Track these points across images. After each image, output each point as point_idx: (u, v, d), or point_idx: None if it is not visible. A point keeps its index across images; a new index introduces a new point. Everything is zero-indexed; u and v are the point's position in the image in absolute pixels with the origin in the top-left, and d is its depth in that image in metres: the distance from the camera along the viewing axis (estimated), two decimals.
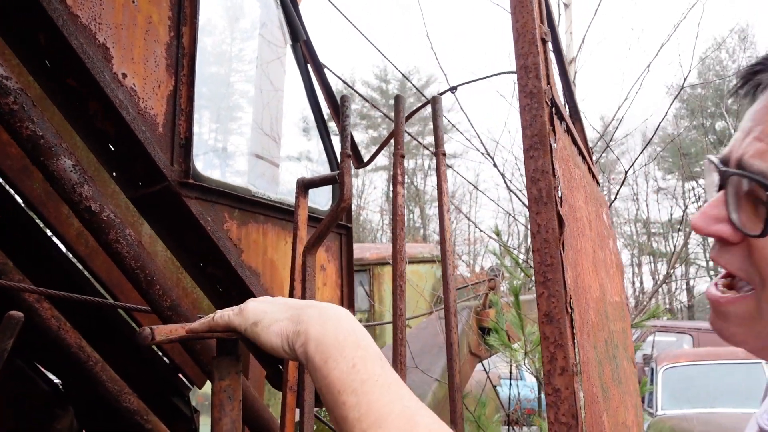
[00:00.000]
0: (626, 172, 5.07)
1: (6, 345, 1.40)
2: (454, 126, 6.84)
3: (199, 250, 1.97)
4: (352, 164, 1.88)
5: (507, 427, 5.50)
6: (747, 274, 0.58)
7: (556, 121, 1.27)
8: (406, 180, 1.82)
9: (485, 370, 4.98)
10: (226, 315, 0.83)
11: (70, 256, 2.44)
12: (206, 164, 2.77)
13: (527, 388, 6.65)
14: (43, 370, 3.13)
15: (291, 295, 1.95)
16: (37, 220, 2.34)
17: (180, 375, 2.84)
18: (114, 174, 1.82)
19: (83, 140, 1.77)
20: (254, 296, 2.09)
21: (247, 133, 3.06)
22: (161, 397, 2.90)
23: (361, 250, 6.57)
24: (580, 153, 1.78)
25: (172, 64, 1.85)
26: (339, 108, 1.94)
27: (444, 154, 1.88)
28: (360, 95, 3.95)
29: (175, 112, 1.84)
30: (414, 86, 3.76)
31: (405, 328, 1.77)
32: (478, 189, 12.73)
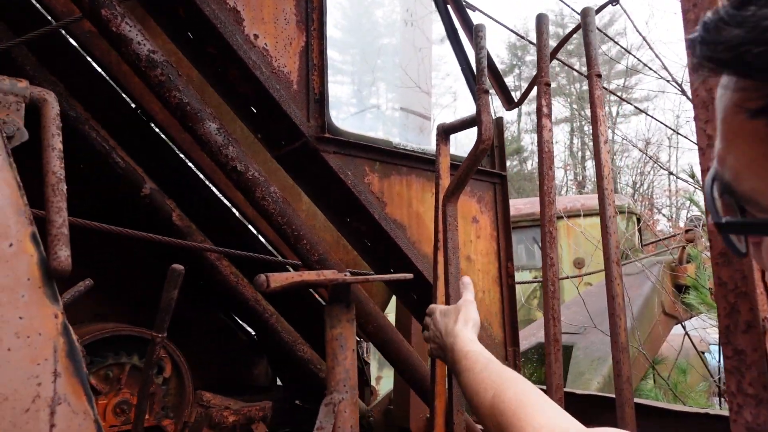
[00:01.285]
0: None
1: (172, 295, 1.55)
2: (643, 63, 5.99)
3: (343, 204, 1.97)
4: (496, 102, 1.69)
5: (718, 398, 4.79)
6: None
7: None
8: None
9: (686, 332, 4.36)
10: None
11: (241, 218, 2.67)
12: (354, 121, 2.78)
13: None
14: (241, 323, 3.54)
15: (435, 247, 1.85)
16: (212, 187, 2.59)
17: None
18: (259, 135, 1.90)
19: (230, 107, 1.87)
20: (401, 251, 2.05)
21: (395, 88, 3.01)
22: None
23: (533, 204, 6.21)
24: None
25: (302, 20, 1.85)
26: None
27: (599, 76, 1.58)
28: (519, 35, 3.62)
29: (308, 67, 1.84)
30: (567, 5, 3.29)
31: (557, 279, 1.56)
32: (677, 132, 11.12)
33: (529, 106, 25.73)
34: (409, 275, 1.24)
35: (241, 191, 1.78)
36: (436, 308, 1.36)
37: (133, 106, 2.38)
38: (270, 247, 2.73)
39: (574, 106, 26.39)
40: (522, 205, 6.45)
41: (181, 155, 2.50)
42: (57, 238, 0.88)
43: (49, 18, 2.09)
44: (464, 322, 1.21)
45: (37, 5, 2.08)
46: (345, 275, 1.09)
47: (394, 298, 2.88)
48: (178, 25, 1.69)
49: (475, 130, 1.80)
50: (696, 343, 4.51)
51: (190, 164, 2.53)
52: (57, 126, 1.00)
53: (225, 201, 2.63)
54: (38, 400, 0.85)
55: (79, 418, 0.88)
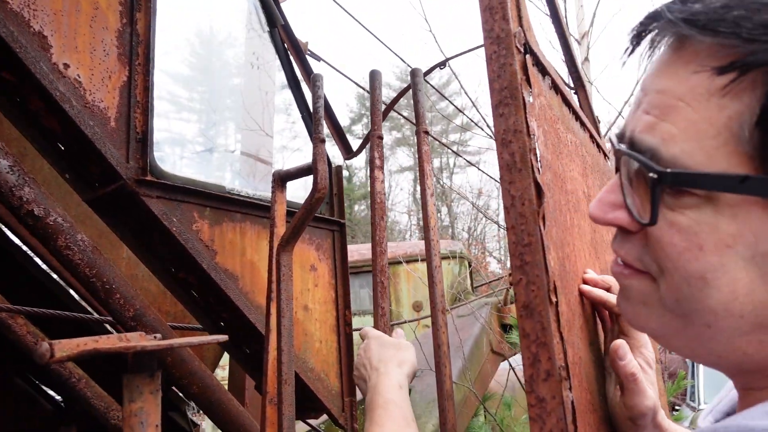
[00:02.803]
0: None
1: None
2: (473, 122, 6.61)
3: (167, 253, 1.81)
4: (328, 151, 1.70)
5: None
6: (644, 265, 0.53)
7: (534, 72, 1.06)
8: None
9: (511, 367, 4.73)
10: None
11: (46, 268, 2.33)
12: (193, 164, 2.63)
13: None
14: (44, 388, 3.05)
15: (268, 297, 1.77)
16: (8, 233, 2.23)
17: (174, 388, 2.71)
18: (67, 176, 1.68)
19: (31, 142, 1.64)
20: (232, 303, 1.93)
21: (241, 130, 2.92)
22: None
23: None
24: (579, 120, 1.55)
25: (125, 53, 1.70)
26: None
27: (426, 132, 1.68)
28: (361, 87, 3.77)
29: (130, 104, 1.69)
30: (401, 59, 3.54)
31: (389, 327, 1.57)
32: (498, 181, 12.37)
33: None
34: (224, 337, 1.16)
35: (39, 239, 1.54)
36: (371, 333, 1.28)
37: None
38: (84, 303, 2.41)
39: (417, 155, 28.20)
40: (367, 250, 6.61)
41: None
42: None
43: None
44: (399, 363, 1.12)
45: None
46: (154, 337, 0.97)
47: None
48: None
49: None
50: (520, 376, 4.91)
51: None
52: None
53: (26, 249, 2.28)
54: None
55: None
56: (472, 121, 6.68)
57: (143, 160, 1.67)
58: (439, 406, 1.39)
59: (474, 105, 4.13)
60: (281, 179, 1.93)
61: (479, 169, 6.76)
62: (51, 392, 3.00)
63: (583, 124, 1.60)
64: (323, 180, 1.66)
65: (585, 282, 0.86)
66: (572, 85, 1.76)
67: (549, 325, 0.90)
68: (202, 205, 1.87)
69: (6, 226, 2.19)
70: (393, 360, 1.12)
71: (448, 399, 1.39)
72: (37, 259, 2.30)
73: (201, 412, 2.99)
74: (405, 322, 3.80)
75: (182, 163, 2.72)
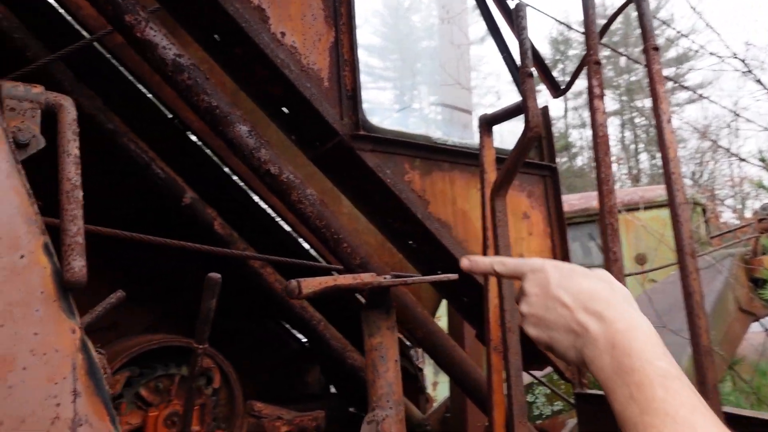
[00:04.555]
0: None
1: (210, 305, 1.50)
2: (700, 46, 5.62)
3: (383, 204, 1.88)
4: (541, 88, 1.57)
5: None
6: None
7: None
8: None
9: (766, 330, 4.01)
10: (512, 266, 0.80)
11: (283, 224, 2.62)
12: (396, 124, 2.70)
13: None
14: (292, 330, 3.49)
15: (485, 245, 1.73)
16: (251, 194, 2.55)
17: (399, 335, 2.87)
18: (292, 137, 1.83)
19: (261, 109, 1.82)
20: (447, 251, 1.93)
21: (436, 89, 2.91)
22: None
23: (587, 199, 5.91)
24: None
25: (330, 15, 1.77)
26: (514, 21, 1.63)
27: (656, 49, 1.43)
28: (561, 22, 3.44)
29: (339, 64, 1.76)
30: None
31: (623, 276, 1.41)
32: (738, 116, 10.43)
33: (575, 101, 24.95)
34: (454, 276, 1.13)
35: (276, 195, 1.72)
36: (548, 264, 0.74)
37: (169, 115, 2.37)
38: (315, 253, 2.67)
39: (624, 98, 25.39)
40: (575, 200, 6.18)
41: (219, 162, 2.47)
42: (71, 248, 0.83)
43: (84, 33, 2.11)
44: (625, 297, 0.67)
45: (72, 21, 2.10)
46: (383, 278, 0.98)
47: (444, 302, 2.76)
48: (204, 27, 1.64)
49: (520, 121, 1.67)
50: None
51: (227, 171, 2.50)
52: (73, 131, 0.95)
53: (265, 207, 2.59)
54: (57, 422, 0.79)
55: None
56: (697, 44, 5.66)
57: (355, 115, 1.74)
58: (695, 363, 1.20)
59: (704, 21, 3.46)
60: (487, 123, 1.84)
61: (710, 100, 5.73)
62: (297, 334, 3.43)
63: None
64: (536, 117, 1.53)
65: None
66: None
67: None
68: (411, 156, 1.89)
69: (249, 188, 2.52)
70: (623, 300, 0.67)
71: (706, 355, 1.19)
72: (275, 216, 2.60)
73: (423, 359, 3.14)
74: (631, 275, 3.47)
75: (386, 124, 2.81)
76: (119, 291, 1.23)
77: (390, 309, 0.87)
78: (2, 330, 0.77)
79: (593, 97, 1.49)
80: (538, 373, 2.75)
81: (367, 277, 0.97)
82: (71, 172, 0.90)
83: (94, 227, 1.54)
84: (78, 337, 0.82)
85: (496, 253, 1.65)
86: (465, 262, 0.82)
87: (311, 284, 1.00)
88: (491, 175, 1.79)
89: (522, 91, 1.57)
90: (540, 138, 2.23)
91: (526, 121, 1.57)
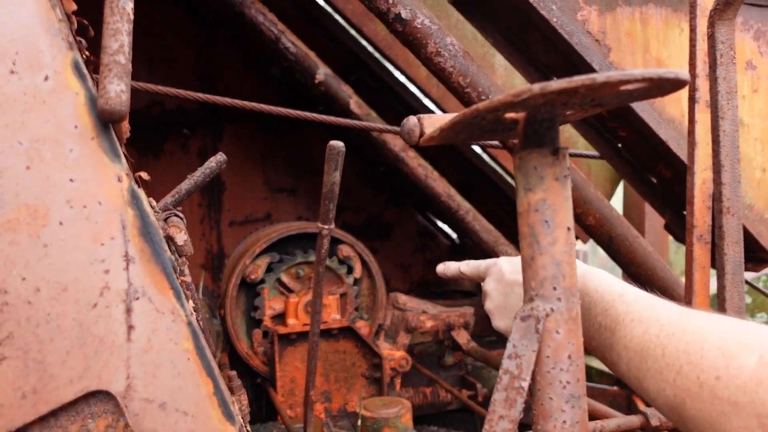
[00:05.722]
0: None
1: (333, 178, 1.27)
2: None
3: (546, 54, 1.45)
4: None
5: None
6: None
7: None
8: None
9: None
10: None
11: (425, 100, 2.30)
12: None
13: None
14: (442, 226, 3.30)
15: (692, 96, 1.24)
16: (389, 66, 2.25)
17: None
18: None
19: None
20: (634, 113, 1.47)
21: None
22: None
23: None
24: None
25: None
26: None
27: None
28: None
29: None
30: None
31: None
32: None
33: None
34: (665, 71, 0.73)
35: (409, 47, 1.39)
36: (492, 260, 0.88)
37: None
38: None
39: None
40: None
41: (353, 32, 2.19)
42: (108, 67, 0.60)
43: None
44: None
45: None
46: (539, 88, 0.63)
47: (620, 188, 2.28)
48: None
49: None
50: None
51: (362, 41, 2.21)
52: None
53: (405, 82, 2.28)
54: (107, 292, 0.61)
55: (165, 319, 0.63)
56: None
57: None
58: None
59: None
60: None
61: None
62: (447, 229, 3.23)
63: None
64: None
65: None
66: None
67: None
68: None
69: (387, 60, 2.21)
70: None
71: None
72: (416, 91, 2.29)
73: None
74: None
75: None
76: (220, 153, 1.04)
77: (558, 150, 0.51)
78: (29, 174, 0.59)
79: None
80: (751, 275, 2.18)
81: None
82: None
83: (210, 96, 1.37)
84: (126, 187, 0.62)
85: (715, 106, 1.16)
86: (440, 268, 0.94)
87: (437, 120, 0.69)
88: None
89: None
90: None
91: None
